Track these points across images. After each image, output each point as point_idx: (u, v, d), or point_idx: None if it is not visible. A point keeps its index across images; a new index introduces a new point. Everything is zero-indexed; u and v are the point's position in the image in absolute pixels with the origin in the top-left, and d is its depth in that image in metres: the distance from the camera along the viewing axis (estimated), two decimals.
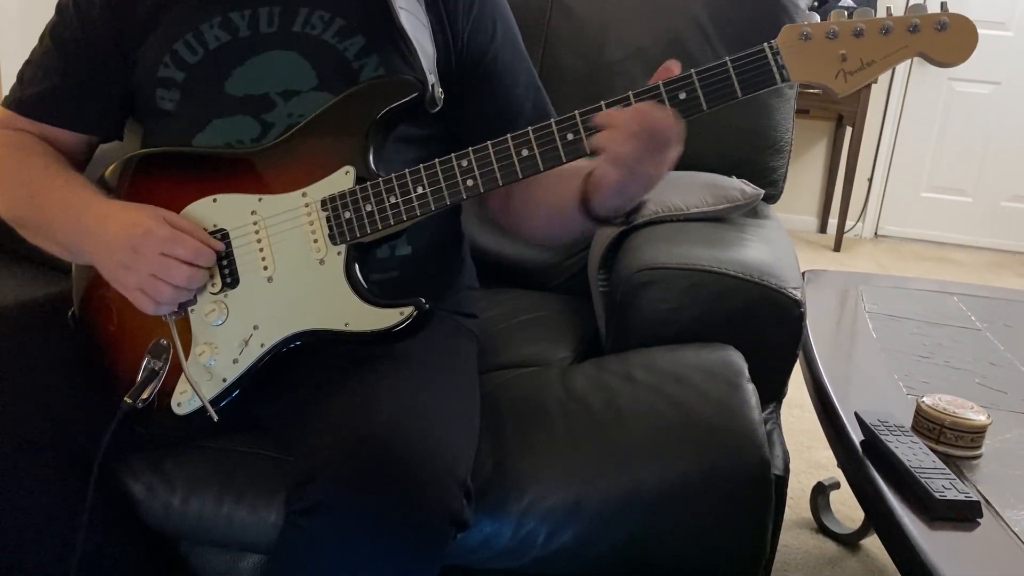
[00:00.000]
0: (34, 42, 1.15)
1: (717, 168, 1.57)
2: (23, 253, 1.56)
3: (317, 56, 1.07)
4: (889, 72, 1.02)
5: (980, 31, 0.87)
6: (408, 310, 0.97)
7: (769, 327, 1.20)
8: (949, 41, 0.88)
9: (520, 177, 0.95)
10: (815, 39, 0.89)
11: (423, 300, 0.98)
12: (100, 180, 1.09)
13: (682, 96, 0.91)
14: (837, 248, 4.04)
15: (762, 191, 1.50)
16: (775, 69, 0.90)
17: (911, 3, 0.92)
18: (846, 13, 0.90)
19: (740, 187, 1.48)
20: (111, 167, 1.09)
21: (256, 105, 1.06)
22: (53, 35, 1.12)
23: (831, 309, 1.63)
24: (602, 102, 0.93)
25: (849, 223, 4.13)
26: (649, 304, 1.22)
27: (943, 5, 0.89)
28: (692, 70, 0.91)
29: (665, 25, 1.64)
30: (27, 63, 1.14)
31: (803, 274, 1.41)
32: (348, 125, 1.01)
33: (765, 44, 0.90)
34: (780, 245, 1.39)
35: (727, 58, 0.91)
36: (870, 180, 4.24)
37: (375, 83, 1.05)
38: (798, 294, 1.20)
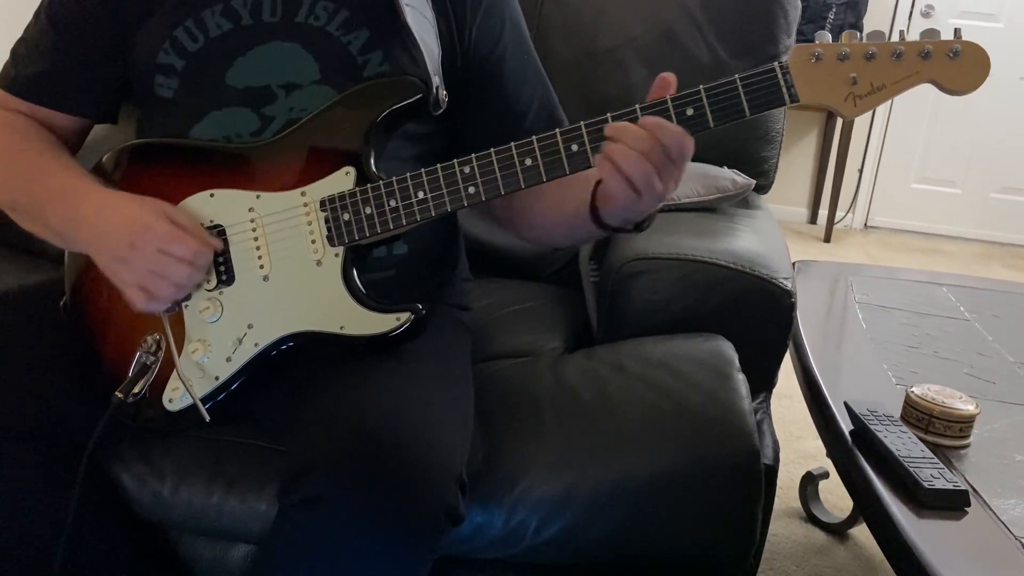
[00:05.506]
0: (15, 34, 1.12)
1: (708, 158, 1.57)
2: (14, 242, 1.55)
3: (320, 49, 1.04)
4: None
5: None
6: (405, 316, 0.96)
7: (760, 317, 1.21)
8: (961, 69, 0.85)
9: (523, 187, 0.93)
10: (826, 60, 0.87)
11: (420, 306, 0.97)
12: (96, 167, 1.07)
13: (689, 112, 0.89)
14: (827, 239, 4.06)
15: (753, 181, 1.50)
16: (784, 88, 0.88)
17: (924, 29, 0.88)
18: (859, 35, 0.88)
19: (731, 177, 1.48)
20: (107, 155, 1.08)
21: (256, 97, 1.04)
22: (49, 13, 1.09)
23: (821, 300, 1.63)
24: (608, 114, 0.90)
25: (839, 214, 4.15)
26: (640, 294, 1.22)
27: (956, 32, 0.87)
28: (701, 86, 0.89)
29: (657, 15, 1.64)
30: (21, 40, 1.11)
31: (793, 265, 1.41)
32: (350, 124, 0.99)
33: (775, 63, 0.88)
34: (771, 235, 1.39)
35: (736, 75, 0.88)
36: (860, 171, 4.26)
37: (379, 82, 1.03)
38: (788, 284, 1.20)
